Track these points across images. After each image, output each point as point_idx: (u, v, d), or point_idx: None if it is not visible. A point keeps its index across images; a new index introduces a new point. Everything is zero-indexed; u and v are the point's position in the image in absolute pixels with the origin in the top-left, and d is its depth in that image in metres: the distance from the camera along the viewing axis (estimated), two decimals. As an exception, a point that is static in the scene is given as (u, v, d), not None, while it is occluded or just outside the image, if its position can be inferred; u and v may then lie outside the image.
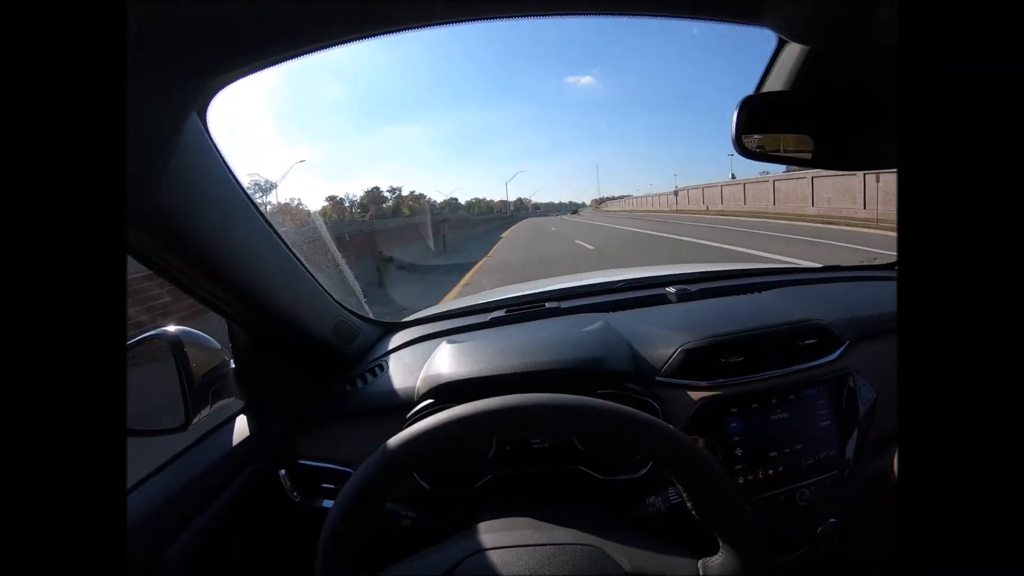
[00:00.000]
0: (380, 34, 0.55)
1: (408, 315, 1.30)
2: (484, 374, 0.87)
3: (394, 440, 0.58)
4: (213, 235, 0.70)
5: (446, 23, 0.56)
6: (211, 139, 0.68)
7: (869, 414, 0.91)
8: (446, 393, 0.87)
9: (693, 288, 1.18)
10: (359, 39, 0.55)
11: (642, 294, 1.21)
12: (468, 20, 0.56)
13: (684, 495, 0.57)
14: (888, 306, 1.09)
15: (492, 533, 0.63)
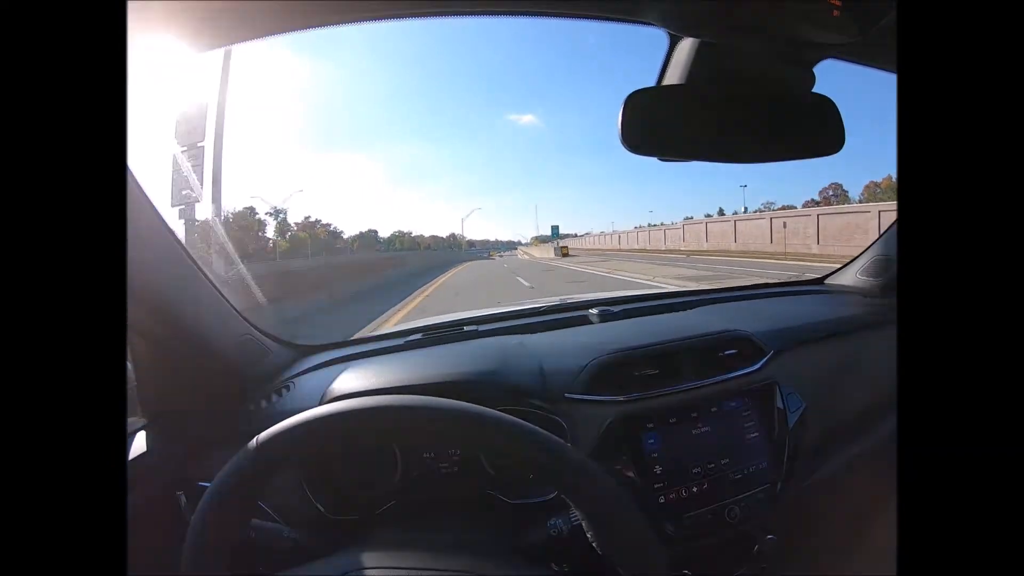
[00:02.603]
0: (352, 21, 0.57)
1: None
2: (375, 387, 0.83)
3: (270, 429, 0.56)
4: None
5: (398, 17, 0.59)
6: None
7: (799, 423, 0.89)
8: None
9: (616, 309, 1.16)
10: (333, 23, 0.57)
11: (565, 316, 1.19)
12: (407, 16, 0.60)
13: (583, 523, 0.52)
14: (814, 316, 1.10)
15: (377, 552, 0.59)
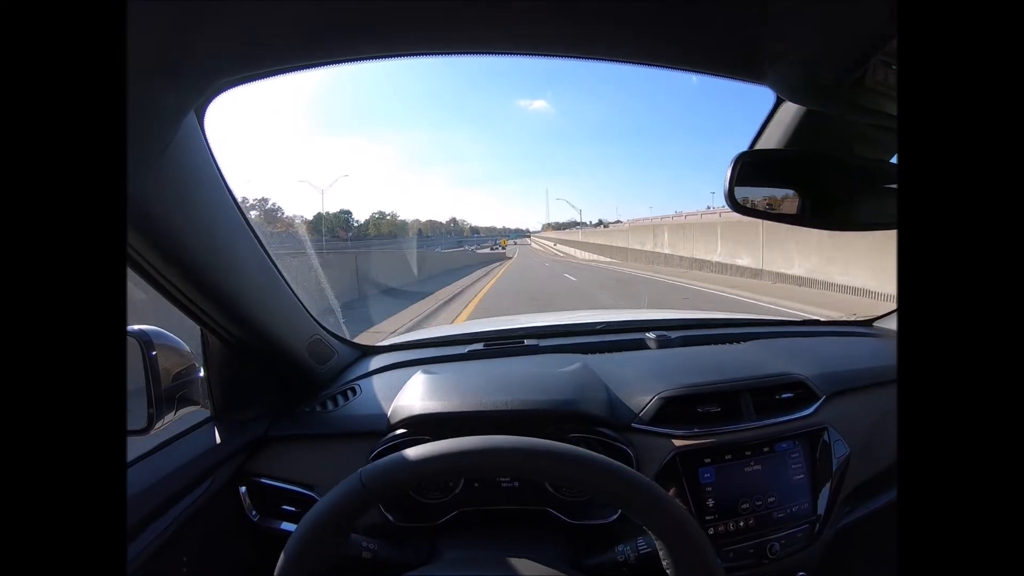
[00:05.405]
0: (379, 58, 0.55)
1: (385, 339, 1.29)
2: (457, 410, 0.86)
3: (375, 465, 0.57)
4: (197, 237, 0.68)
5: (440, 54, 0.56)
6: (206, 141, 0.66)
7: (842, 469, 0.91)
8: (419, 426, 0.86)
9: (673, 335, 1.18)
10: (361, 60, 0.55)
11: (622, 338, 1.22)
12: (462, 53, 0.56)
13: (661, 552, 0.56)
14: (864, 362, 1.11)
15: (464, 570, 0.62)
